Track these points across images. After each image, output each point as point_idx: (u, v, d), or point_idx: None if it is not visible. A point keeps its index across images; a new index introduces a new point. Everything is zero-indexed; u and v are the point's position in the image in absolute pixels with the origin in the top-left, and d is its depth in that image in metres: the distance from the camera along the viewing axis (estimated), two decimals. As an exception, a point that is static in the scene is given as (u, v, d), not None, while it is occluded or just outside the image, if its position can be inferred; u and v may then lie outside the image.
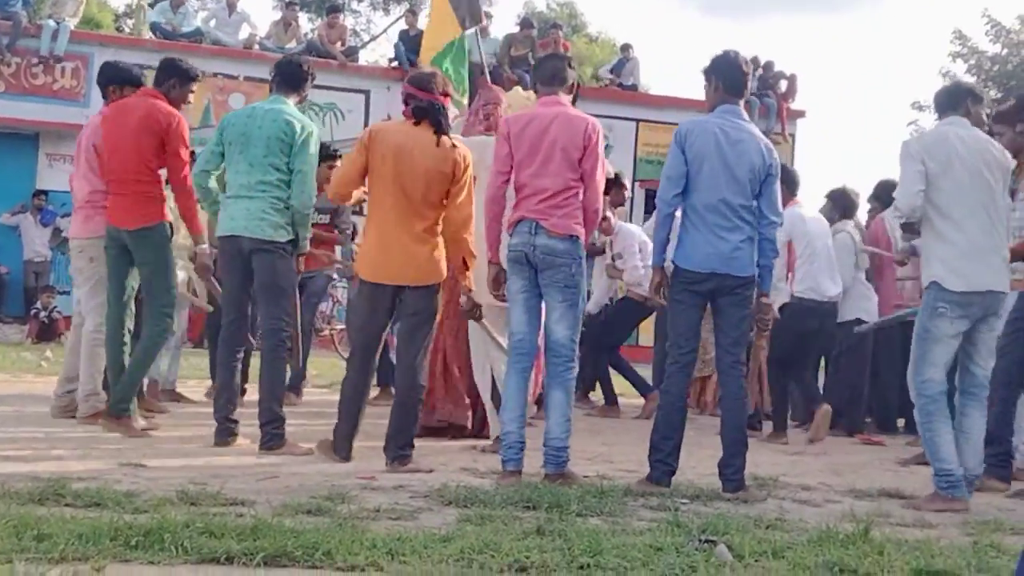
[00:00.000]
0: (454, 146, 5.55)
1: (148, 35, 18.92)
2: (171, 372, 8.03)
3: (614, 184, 8.92)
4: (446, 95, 5.64)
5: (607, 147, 17.77)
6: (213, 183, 6.21)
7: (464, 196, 5.57)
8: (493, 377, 6.34)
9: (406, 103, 5.63)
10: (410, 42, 17.76)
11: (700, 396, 9.68)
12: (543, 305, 5.44)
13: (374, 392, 8.51)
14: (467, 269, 5.64)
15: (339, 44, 18.00)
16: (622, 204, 10.00)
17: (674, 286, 5.38)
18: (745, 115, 5.46)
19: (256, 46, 17.46)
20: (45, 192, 15.79)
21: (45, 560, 3.15)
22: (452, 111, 7.31)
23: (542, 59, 6.01)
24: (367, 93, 17.49)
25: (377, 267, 5.55)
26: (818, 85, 53.97)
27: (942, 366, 5.29)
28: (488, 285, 5.56)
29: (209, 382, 7.93)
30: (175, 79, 6.45)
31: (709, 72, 5.45)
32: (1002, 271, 5.36)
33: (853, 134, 63.66)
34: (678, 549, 3.75)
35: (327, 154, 8.84)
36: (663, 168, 5.49)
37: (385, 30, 28.08)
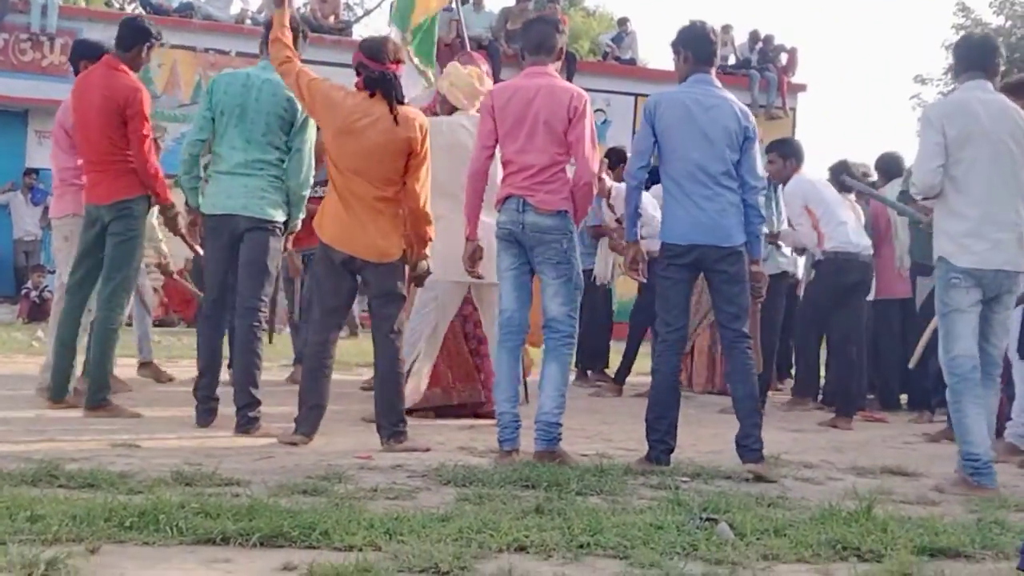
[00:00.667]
0: (412, 117, 5.38)
1: (138, 10, 18.78)
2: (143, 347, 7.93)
3: (622, 160, 8.88)
4: (398, 62, 5.45)
5: (605, 122, 17.92)
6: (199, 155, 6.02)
7: (425, 168, 5.42)
8: None
9: (358, 73, 5.43)
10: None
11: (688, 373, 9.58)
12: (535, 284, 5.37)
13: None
14: (425, 245, 5.48)
15: (332, 18, 17.87)
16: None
17: (660, 261, 5.32)
18: (718, 83, 5.33)
19: (248, 21, 17.29)
20: (36, 170, 15.67)
21: (39, 541, 3.11)
22: (419, 83, 7.12)
23: (529, 23, 5.78)
24: (361, 68, 17.40)
25: (335, 235, 5.39)
26: (819, 58, 53.92)
27: (970, 339, 5.05)
28: (464, 262, 5.44)
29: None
30: (142, 44, 6.18)
31: (677, 44, 5.36)
32: (1017, 249, 5.13)
33: (855, 108, 63.60)
34: (679, 527, 3.72)
35: None
36: (633, 142, 5.40)
37: (379, 3, 27.92)
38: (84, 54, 6.63)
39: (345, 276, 5.46)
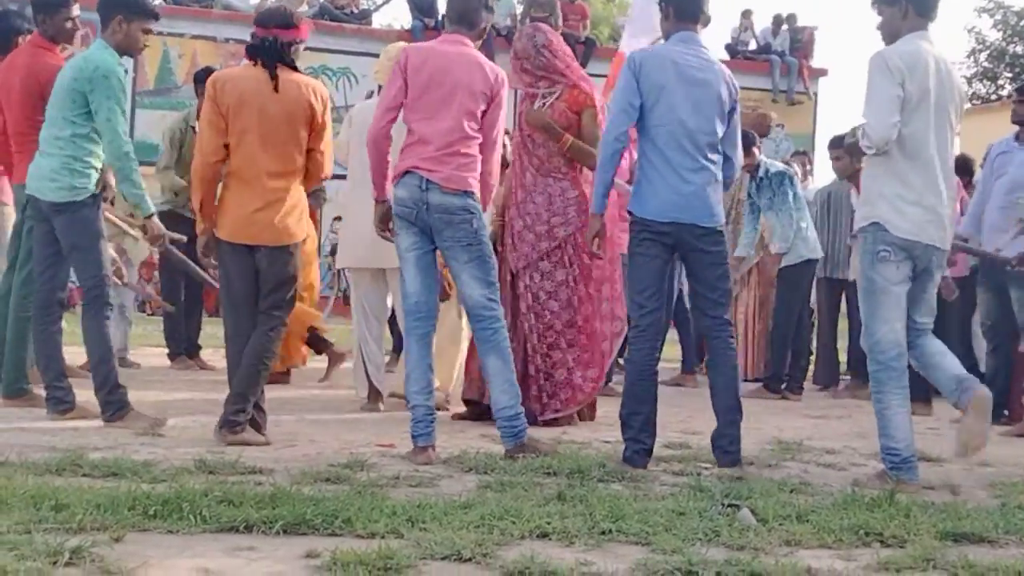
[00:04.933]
0: (304, 84, 5.04)
1: (157, 0, 18.81)
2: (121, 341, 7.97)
3: None
4: (295, 27, 5.06)
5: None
6: None
7: (325, 138, 5.09)
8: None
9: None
10: (423, 4, 17.64)
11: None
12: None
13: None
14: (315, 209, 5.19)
15: (352, 7, 17.87)
16: None
17: (632, 238, 4.83)
18: (703, 42, 4.91)
19: (268, 11, 17.33)
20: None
21: (63, 530, 3.13)
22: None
23: None
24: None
25: (234, 227, 5.03)
26: (841, 43, 53.34)
27: (896, 321, 4.58)
28: (375, 225, 5.07)
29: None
30: (120, 15, 5.45)
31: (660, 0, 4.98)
32: (948, 226, 4.69)
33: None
34: (701, 514, 3.71)
35: None
36: (612, 101, 4.92)
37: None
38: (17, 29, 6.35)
39: (251, 267, 5.08)
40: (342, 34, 17.25)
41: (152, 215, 5.53)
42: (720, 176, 4.85)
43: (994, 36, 32.12)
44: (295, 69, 5.05)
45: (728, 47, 20.18)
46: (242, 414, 4.96)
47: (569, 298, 6.06)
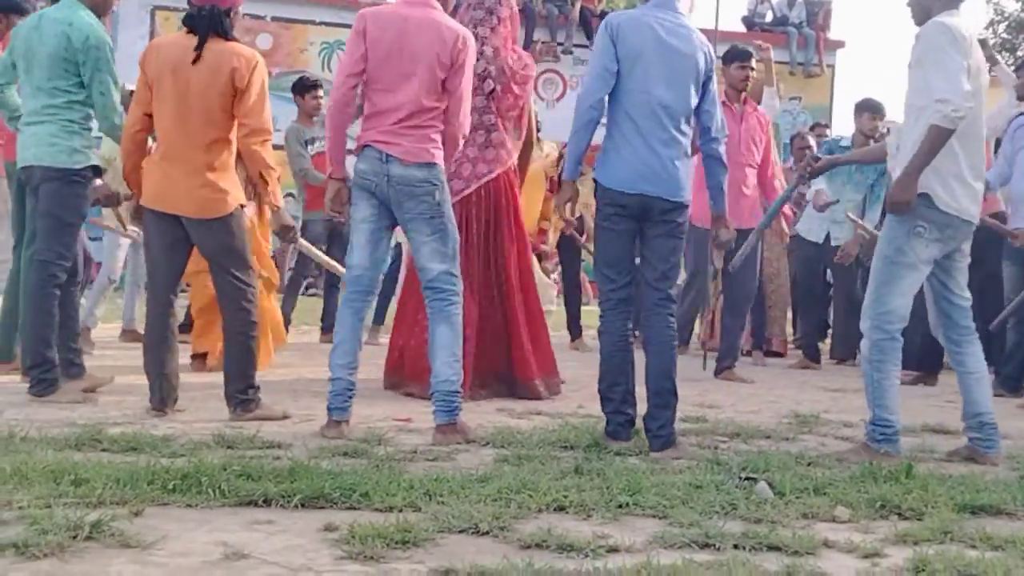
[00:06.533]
0: (232, 52, 4.89)
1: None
2: (89, 315, 7.85)
3: None
4: None
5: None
6: (11, 95, 5.66)
7: (253, 104, 4.90)
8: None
9: None
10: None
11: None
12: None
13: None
14: (267, 184, 5.02)
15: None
16: None
17: (600, 210, 4.68)
18: (681, 8, 4.70)
19: (282, -14, 17.31)
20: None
21: (83, 504, 3.15)
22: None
23: None
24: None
25: (158, 195, 4.93)
26: (857, 14, 53.05)
27: (909, 298, 4.54)
28: (326, 203, 4.91)
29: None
30: None
31: None
32: (980, 203, 4.67)
33: (894, 64, 62.61)
34: (718, 487, 3.71)
35: (309, 84, 8.77)
36: (590, 66, 4.75)
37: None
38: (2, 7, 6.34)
39: (177, 238, 5.00)
40: (336, 6, 17.24)
41: (279, 208, 5.23)
42: (688, 150, 4.69)
43: (1013, 7, 31.87)
44: (229, 38, 4.95)
45: (745, 19, 20.07)
46: (250, 391, 4.97)
47: None
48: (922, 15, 4.59)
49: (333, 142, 4.80)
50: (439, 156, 4.71)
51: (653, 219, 4.60)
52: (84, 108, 5.39)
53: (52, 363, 5.31)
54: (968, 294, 4.73)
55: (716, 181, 4.81)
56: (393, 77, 4.65)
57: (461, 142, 4.90)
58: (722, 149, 4.80)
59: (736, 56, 7.65)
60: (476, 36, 5.51)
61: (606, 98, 4.62)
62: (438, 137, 4.73)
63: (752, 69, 7.69)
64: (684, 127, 4.63)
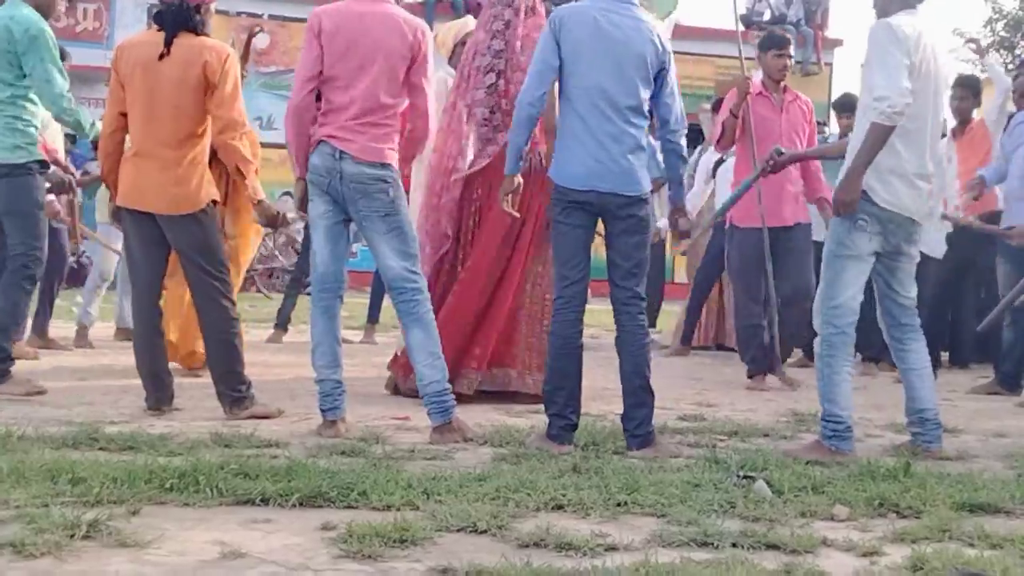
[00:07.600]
0: (202, 47, 4.86)
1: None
2: (85, 313, 7.93)
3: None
4: None
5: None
6: None
7: (226, 98, 4.87)
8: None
9: None
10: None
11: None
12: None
13: (359, 335, 8.53)
14: (244, 177, 4.98)
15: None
16: None
17: (554, 206, 4.58)
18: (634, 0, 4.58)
19: (279, -16, 17.30)
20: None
21: (80, 503, 3.15)
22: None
23: None
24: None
25: (132, 193, 4.94)
26: (855, 13, 52.94)
27: (857, 290, 4.54)
28: (296, 204, 4.89)
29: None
30: None
31: None
32: (927, 201, 4.68)
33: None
34: (716, 485, 3.71)
35: None
36: (531, 62, 4.63)
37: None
38: None
39: (154, 236, 4.99)
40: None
41: (261, 201, 5.15)
42: (644, 141, 4.58)
43: (1011, 5, 31.86)
44: (200, 34, 4.93)
45: (743, 17, 20.04)
46: (241, 387, 4.96)
47: None
48: (881, 15, 4.61)
49: (296, 146, 4.74)
50: (393, 157, 4.67)
51: (612, 216, 4.53)
52: (27, 103, 5.49)
53: (8, 354, 5.42)
54: (912, 293, 4.75)
55: (675, 174, 4.75)
56: (350, 72, 4.60)
57: (422, 147, 4.89)
58: (683, 142, 4.70)
59: (773, 43, 7.23)
60: (490, 30, 5.62)
61: (546, 94, 4.55)
62: (395, 138, 4.69)
63: (790, 57, 7.29)
64: (635, 119, 4.51)
